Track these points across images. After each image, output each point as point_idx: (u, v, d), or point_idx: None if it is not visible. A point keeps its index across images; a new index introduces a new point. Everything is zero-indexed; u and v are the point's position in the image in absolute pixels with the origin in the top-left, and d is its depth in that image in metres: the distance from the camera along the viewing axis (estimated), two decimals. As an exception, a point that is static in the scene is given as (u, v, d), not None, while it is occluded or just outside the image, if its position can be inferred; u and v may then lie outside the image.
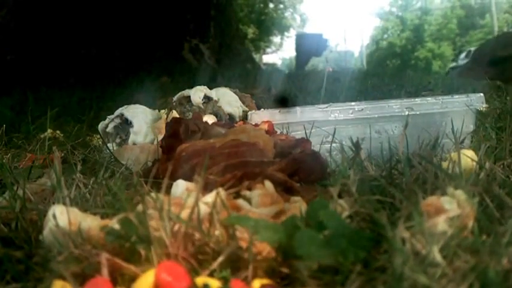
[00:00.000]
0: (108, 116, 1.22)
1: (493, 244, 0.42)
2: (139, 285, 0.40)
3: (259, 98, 1.82)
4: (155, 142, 1.03)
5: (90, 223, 0.47)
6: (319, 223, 0.47)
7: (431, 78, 3.83)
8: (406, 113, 1.00)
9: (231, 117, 1.33)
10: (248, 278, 0.43)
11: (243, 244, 0.45)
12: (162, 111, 1.33)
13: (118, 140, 1.17)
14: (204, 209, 0.47)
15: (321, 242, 0.44)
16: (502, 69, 0.69)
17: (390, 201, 0.58)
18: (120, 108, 1.22)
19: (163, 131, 0.91)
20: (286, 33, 19.60)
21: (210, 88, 1.38)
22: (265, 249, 0.45)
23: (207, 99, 1.33)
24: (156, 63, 3.67)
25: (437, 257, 0.40)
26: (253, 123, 1.05)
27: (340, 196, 0.59)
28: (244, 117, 1.34)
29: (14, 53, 3.65)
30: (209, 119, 1.13)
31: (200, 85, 1.38)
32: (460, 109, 0.98)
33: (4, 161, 0.89)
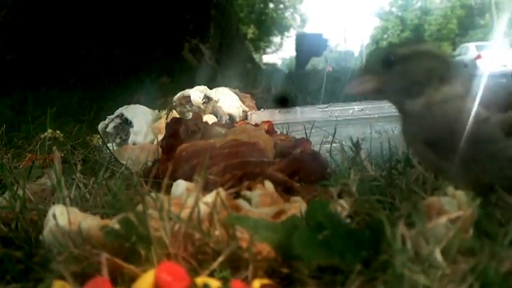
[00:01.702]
0: (108, 116, 1.22)
1: (493, 245, 0.42)
2: (139, 285, 0.40)
3: (259, 98, 1.82)
4: (155, 142, 1.03)
5: (90, 223, 0.47)
6: (318, 223, 0.47)
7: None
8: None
9: (231, 117, 1.33)
10: (248, 278, 0.43)
11: (243, 244, 0.45)
12: (162, 111, 1.34)
13: (118, 140, 1.17)
14: (204, 209, 0.47)
15: (319, 242, 0.44)
16: (399, 73, 0.44)
17: (390, 201, 0.58)
18: (120, 108, 1.22)
19: (163, 131, 0.91)
20: (286, 33, 19.61)
21: (210, 88, 1.39)
22: (265, 249, 0.45)
23: (207, 99, 1.33)
24: (156, 63, 3.67)
25: (438, 257, 0.40)
26: (253, 123, 1.05)
27: (340, 196, 0.59)
28: (244, 117, 1.34)
29: (14, 53, 3.65)
30: (209, 119, 1.14)
31: (200, 85, 1.39)
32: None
33: (4, 161, 0.89)
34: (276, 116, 1.09)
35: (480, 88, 0.49)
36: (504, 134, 0.47)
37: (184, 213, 0.46)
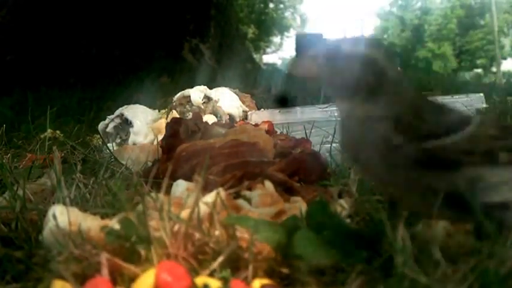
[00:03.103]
0: (108, 116, 1.22)
1: (493, 245, 0.42)
2: (139, 285, 0.40)
3: (259, 98, 1.82)
4: (155, 142, 1.03)
5: (90, 223, 0.47)
6: (318, 223, 0.47)
7: (431, 78, 3.83)
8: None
9: (231, 117, 1.33)
10: (248, 278, 0.43)
11: (243, 244, 0.45)
12: (162, 111, 1.34)
13: (118, 140, 1.17)
14: (204, 209, 0.47)
15: (320, 242, 0.44)
16: (335, 71, 0.49)
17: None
18: (120, 108, 1.22)
19: (163, 131, 0.91)
20: (286, 33, 19.59)
21: (210, 88, 1.39)
22: (265, 249, 0.45)
23: (207, 99, 1.33)
24: (156, 63, 3.67)
25: (438, 257, 0.40)
26: (253, 123, 1.05)
27: (340, 196, 0.59)
28: (244, 117, 1.34)
29: (14, 53, 3.65)
30: (209, 119, 1.13)
31: (200, 85, 1.39)
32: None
33: (4, 161, 0.89)
34: (276, 116, 1.09)
35: (407, 111, 0.46)
36: (420, 163, 0.44)
37: (184, 213, 0.46)
